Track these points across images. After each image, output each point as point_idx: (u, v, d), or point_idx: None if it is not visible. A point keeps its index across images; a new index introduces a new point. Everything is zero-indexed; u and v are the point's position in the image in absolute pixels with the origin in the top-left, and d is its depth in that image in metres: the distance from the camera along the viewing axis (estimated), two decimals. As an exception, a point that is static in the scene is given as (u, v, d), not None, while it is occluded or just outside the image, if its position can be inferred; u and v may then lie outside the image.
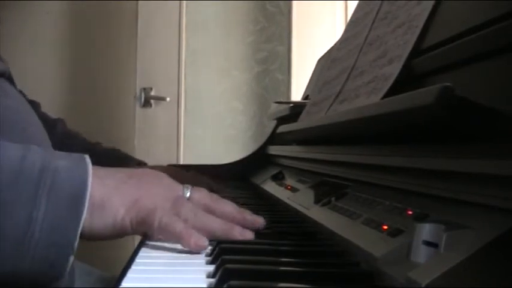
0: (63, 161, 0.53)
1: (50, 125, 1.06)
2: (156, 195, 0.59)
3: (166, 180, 0.63)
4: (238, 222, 0.61)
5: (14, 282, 0.50)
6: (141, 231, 0.57)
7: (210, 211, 0.61)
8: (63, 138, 1.11)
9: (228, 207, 0.63)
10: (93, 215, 0.53)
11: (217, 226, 0.59)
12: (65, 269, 0.50)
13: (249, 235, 0.59)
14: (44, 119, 1.00)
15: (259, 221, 0.63)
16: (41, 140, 0.75)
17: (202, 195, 0.63)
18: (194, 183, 0.68)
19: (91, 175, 0.53)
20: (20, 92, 1.01)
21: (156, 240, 0.59)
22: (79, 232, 0.50)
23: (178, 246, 0.56)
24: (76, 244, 0.50)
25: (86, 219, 0.51)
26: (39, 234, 0.48)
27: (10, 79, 0.83)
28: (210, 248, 0.56)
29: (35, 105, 1.07)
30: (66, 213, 0.50)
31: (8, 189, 0.49)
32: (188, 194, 0.62)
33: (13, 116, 0.70)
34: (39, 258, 0.49)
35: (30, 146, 0.54)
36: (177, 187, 0.62)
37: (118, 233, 0.56)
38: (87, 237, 0.54)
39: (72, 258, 0.51)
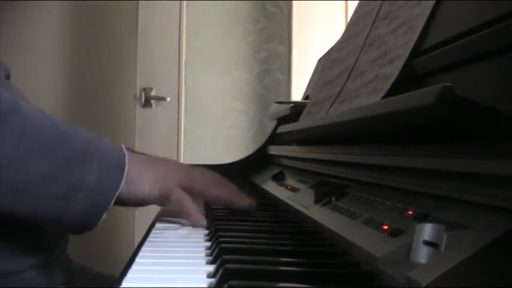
0: (107, 140, 0.68)
1: None
2: (174, 176, 0.73)
3: (180, 164, 0.81)
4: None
5: (54, 224, 0.65)
6: (161, 202, 0.72)
7: (205, 193, 0.77)
8: None
9: (230, 186, 0.79)
10: (128, 186, 0.67)
11: (227, 193, 0.77)
12: (97, 222, 0.64)
13: (251, 204, 0.77)
14: None
15: (254, 203, 0.77)
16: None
17: (208, 174, 0.79)
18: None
19: (128, 154, 0.67)
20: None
21: (170, 213, 0.77)
22: (116, 196, 0.65)
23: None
24: (112, 204, 0.65)
25: (122, 189, 0.66)
26: (86, 190, 0.62)
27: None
28: (210, 248, 0.56)
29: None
30: (109, 179, 0.65)
31: (67, 152, 0.63)
32: (196, 174, 0.76)
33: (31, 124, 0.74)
34: (81, 208, 0.62)
35: (79, 128, 0.68)
36: (190, 170, 0.77)
37: (144, 202, 0.71)
38: (121, 202, 0.68)
39: (105, 214, 0.64)
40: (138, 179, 0.69)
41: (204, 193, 0.76)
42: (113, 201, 0.64)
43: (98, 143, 0.66)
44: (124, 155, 0.67)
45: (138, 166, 0.70)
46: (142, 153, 1.18)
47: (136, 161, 0.70)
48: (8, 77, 0.82)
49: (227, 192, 0.77)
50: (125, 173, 0.66)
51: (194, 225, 0.71)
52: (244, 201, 0.77)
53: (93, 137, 0.67)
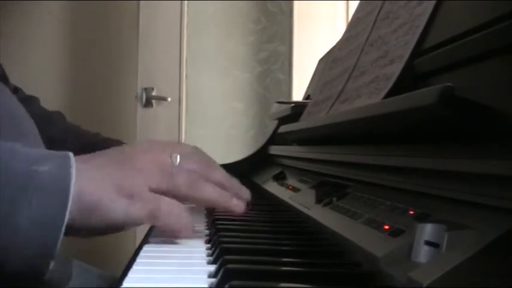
0: (45, 164, 0.50)
1: (47, 119, 1.05)
2: (149, 175, 0.57)
3: (153, 153, 0.60)
4: (228, 190, 0.64)
5: None
6: (148, 222, 0.56)
7: (203, 178, 0.61)
8: (60, 132, 1.08)
9: (219, 173, 0.64)
10: (88, 215, 0.51)
11: (216, 195, 0.61)
12: (45, 272, 0.49)
13: (241, 208, 0.64)
14: (42, 113, 0.99)
15: (245, 191, 0.67)
16: (34, 138, 0.74)
17: (192, 161, 0.62)
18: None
19: (74, 178, 0.50)
20: (16, 88, 1.01)
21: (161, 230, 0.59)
22: (60, 238, 0.48)
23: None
24: (57, 249, 0.48)
25: (81, 221, 0.50)
26: (21, 243, 0.47)
27: (4, 79, 0.83)
28: (211, 248, 0.56)
29: (33, 100, 1.06)
30: (48, 219, 0.48)
31: None
32: (178, 162, 0.60)
33: (7, 113, 0.70)
34: (20, 264, 0.48)
35: (15, 147, 0.51)
36: (165, 158, 0.60)
37: (121, 228, 0.55)
38: (88, 234, 0.54)
39: (53, 262, 0.49)
40: (99, 203, 0.52)
41: (189, 196, 0.60)
42: (57, 247, 0.48)
43: (32, 173, 0.49)
44: (68, 179, 0.49)
45: (96, 185, 0.52)
46: (115, 141, 1.08)
47: (94, 178, 0.53)
48: (1, 76, 0.82)
49: (214, 192, 0.62)
50: (68, 206, 0.48)
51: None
52: (239, 206, 0.64)
53: (27, 166, 0.49)
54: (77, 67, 2.49)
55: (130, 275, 0.45)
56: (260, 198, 1.01)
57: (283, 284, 0.42)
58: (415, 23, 0.63)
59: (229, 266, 0.43)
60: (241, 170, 1.35)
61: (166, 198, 0.56)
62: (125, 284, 0.43)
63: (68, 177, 0.49)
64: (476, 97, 0.41)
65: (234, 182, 0.66)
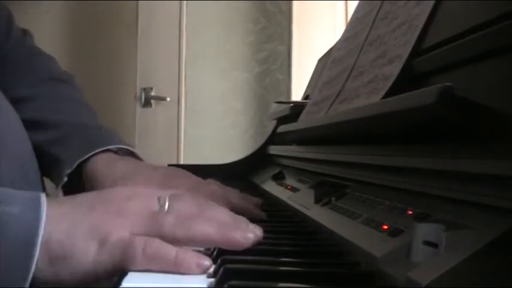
0: (11, 207, 0.45)
1: (59, 80, 0.97)
2: (129, 219, 0.48)
3: (137, 195, 0.52)
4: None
5: None
6: (122, 269, 0.47)
7: (196, 216, 0.51)
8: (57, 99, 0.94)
9: (219, 213, 0.52)
10: (58, 265, 0.45)
11: (212, 230, 0.49)
12: None
13: (252, 236, 0.49)
14: (54, 74, 0.95)
15: (257, 232, 0.51)
16: (19, 152, 0.72)
17: (184, 204, 0.52)
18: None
19: (43, 223, 0.45)
20: (24, 31, 0.97)
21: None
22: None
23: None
24: None
25: (50, 272, 0.45)
26: None
27: (10, 22, 0.83)
28: (210, 248, 0.56)
29: (47, 59, 1.02)
30: (11, 271, 0.43)
31: None
32: (167, 206, 0.50)
33: (1, 135, 0.67)
34: None
35: None
36: (150, 200, 0.51)
37: (93, 278, 0.47)
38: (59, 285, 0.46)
39: None
40: (69, 249, 0.46)
41: (180, 237, 0.48)
42: None
43: None
44: (35, 232, 0.44)
45: (68, 224, 0.47)
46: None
47: (66, 218, 0.47)
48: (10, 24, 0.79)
49: (212, 227, 0.50)
50: (35, 254, 0.43)
51: (196, 274, 0.46)
52: (247, 236, 0.50)
53: None
54: (76, 67, 2.49)
55: (130, 274, 0.45)
56: (259, 198, 1.01)
57: (282, 284, 0.42)
58: (414, 22, 0.63)
59: (228, 265, 0.43)
60: (240, 170, 1.35)
61: (143, 237, 0.47)
62: (125, 283, 0.43)
63: (37, 221, 0.45)
64: (476, 97, 0.41)
65: (241, 222, 0.52)
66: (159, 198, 0.51)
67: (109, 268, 0.46)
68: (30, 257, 0.43)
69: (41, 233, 0.44)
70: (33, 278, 0.44)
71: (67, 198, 0.53)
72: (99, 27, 2.50)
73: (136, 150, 0.85)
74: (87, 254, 0.46)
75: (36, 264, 0.44)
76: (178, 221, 0.49)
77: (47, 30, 2.46)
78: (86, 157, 0.79)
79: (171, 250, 0.46)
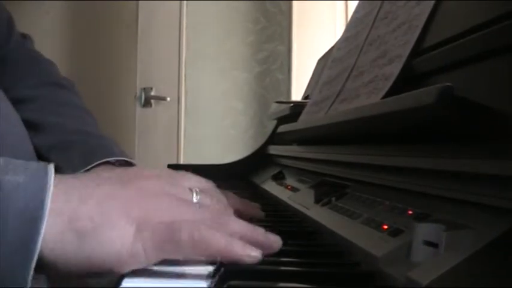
0: (16, 176, 0.40)
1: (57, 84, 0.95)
2: (169, 201, 0.45)
3: (168, 178, 0.49)
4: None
5: None
6: (161, 256, 0.42)
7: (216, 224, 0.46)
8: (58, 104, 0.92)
9: (237, 225, 0.48)
10: (86, 241, 0.39)
11: (216, 242, 0.43)
12: None
13: (254, 252, 0.44)
14: (53, 78, 0.95)
15: (276, 241, 0.49)
16: (19, 153, 0.70)
17: (213, 202, 0.51)
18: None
19: (47, 203, 0.38)
20: (24, 35, 0.97)
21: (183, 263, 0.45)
22: (29, 276, 0.38)
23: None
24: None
25: (74, 250, 0.39)
26: None
27: (11, 26, 0.83)
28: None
29: (48, 63, 1.01)
30: (14, 250, 0.37)
31: None
32: (197, 199, 0.49)
33: (2, 135, 0.67)
34: None
35: None
36: (185, 190, 0.49)
37: (125, 264, 0.41)
38: (86, 273, 0.41)
39: None
40: (101, 228, 0.40)
41: (208, 237, 0.44)
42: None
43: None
44: (41, 203, 0.38)
45: (96, 206, 0.41)
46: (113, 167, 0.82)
47: (91, 192, 0.42)
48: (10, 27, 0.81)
49: (242, 228, 0.47)
50: (40, 236, 0.37)
51: (246, 261, 0.44)
52: (246, 250, 0.45)
53: None
54: (76, 67, 2.49)
55: (130, 274, 0.45)
56: (259, 198, 1.01)
57: (282, 284, 0.42)
58: (414, 22, 0.63)
59: (228, 266, 0.43)
60: (240, 170, 1.35)
61: (189, 220, 0.43)
62: (125, 283, 0.42)
63: (43, 190, 0.39)
64: (476, 97, 0.41)
65: (259, 233, 0.49)
66: (190, 189, 0.49)
67: (147, 252, 0.41)
68: (34, 234, 0.37)
69: (48, 205, 0.38)
70: (54, 260, 0.39)
71: (91, 175, 0.47)
72: (99, 27, 2.50)
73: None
74: (124, 235, 0.41)
75: (62, 242, 0.39)
76: (212, 216, 0.47)
77: (47, 30, 2.46)
78: (85, 169, 0.78)
79: (223, 239, 0.43)
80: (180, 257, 0.43)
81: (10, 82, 0.85)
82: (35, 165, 0.41)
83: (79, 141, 0.83)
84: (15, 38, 0.92)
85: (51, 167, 0.41)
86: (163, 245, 0.42)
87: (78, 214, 0.40)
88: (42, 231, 0.38)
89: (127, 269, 0.42)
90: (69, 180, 0.42)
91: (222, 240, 0.43)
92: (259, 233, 0.48)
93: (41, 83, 0.90)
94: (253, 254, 0.44)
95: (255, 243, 0.46)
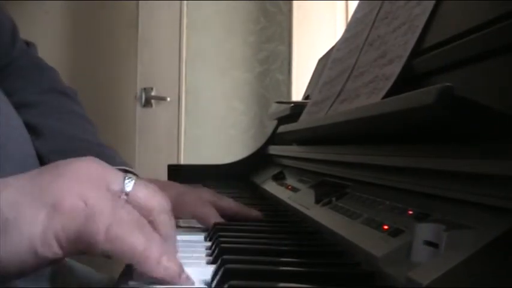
0: None
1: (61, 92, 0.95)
2: (86, 186, 0.40)
3: (96, 167, 0.44)
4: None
5: None
6: (76, 250, 0.39)
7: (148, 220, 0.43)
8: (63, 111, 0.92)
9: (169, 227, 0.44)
10: None
11: (133, 242, 0.39)
12: None
13: (171, 265, 0.40)
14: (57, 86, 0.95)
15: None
16: (21, 156, 0.71)
17: (148, 193, 0.45)
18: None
19: None
20: (27, 43, 0.98)
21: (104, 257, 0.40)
22: None
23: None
24: None
25: None
26: None
27: (15, 33, 0.84)
28: (210, 248, 0.56)
29: (52, 71, 1.01)
30: None
31: None
32: (129, 189, 0.43)
33: (3, 140, 0.66)
34: None
35: None
36: (114, 176, 0.44)
37: (38, 261, 0.38)
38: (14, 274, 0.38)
39: None
40: (15, 217, 0.38)
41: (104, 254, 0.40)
42: None
43: None
44: None
45: (12, 191, 0.39)
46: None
47: (8, 184, 0.40)
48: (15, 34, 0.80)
49: (144, 246, 0.40)
50: None
51: (165, 279, 0.40)
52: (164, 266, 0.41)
53: None
54: (76, 67, 2.49)
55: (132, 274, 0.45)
56: (259, 198, 1.01)
57: (282, 284, 0.42)
58: (414, 22, 0.63)
59: (229, 265, 0.43)
60: (240, 170, 1.35)
61: (111, 211, 0.39)
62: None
63: None
64: (476, 97, 0.41)
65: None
66: (124, 178, 0.44)
67: (62, 245, 0.38)
68: None
69: None
70: None
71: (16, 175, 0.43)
72: (99, 27, 2.50)
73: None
74: (34, 223, 0.37)
75: None
76: (128, 216, 0.41)
77: (47, 30, 2.46)
78: None
79: (140, 239, 0.38)
80: (96, 253, 0.38)
81: (14, 88, 0.85)
82: None
83: (81, 148, 0.83)
84: (19, 45, 0.93)
85: None
86: (78, 235, 0.38)
87: None
88: None
89: (45, 261, 0.38)
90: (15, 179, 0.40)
91: (141, 241, 0.38)
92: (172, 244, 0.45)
93: (44, 89, 0.91)
94: (168, 266, 0.39)
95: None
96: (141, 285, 0.42)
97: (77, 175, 0.41)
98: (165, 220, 0.46)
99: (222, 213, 0.71)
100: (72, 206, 0.38)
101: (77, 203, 0.39)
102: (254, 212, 0.74)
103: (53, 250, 0.38)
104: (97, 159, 0.45)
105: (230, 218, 0.71)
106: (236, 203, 0.75)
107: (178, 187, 0.79)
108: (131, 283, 0.41)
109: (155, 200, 0.46)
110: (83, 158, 0.45)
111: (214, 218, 0.69)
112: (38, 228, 0.37)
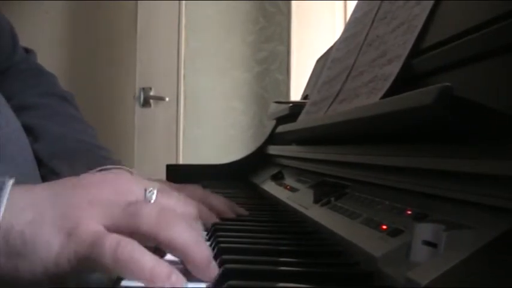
0: None
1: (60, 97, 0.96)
2: (103, 208, 0.43)
3: (118, 183, 0.47)
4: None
5: None
6: (85, 268, 0.41)
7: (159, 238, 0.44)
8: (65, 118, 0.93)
9: (181, 229, 0.44)
10: (17, 258, 0.40)
11: (140, 263, 0.40)
12: None
13: (178, 280, 0.41)
14: (56, 92, 0.96)
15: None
16: (19, 158, 0.71)
17: (171, 201, 0.49)
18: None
19: (3, 208, 0.40)
20: (27, 50, 0.98)
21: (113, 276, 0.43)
22: None
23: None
24: None
25: (6, 267, 0.40)
26: None
27: (15, 39, 0.85)
28: (209, 248, 0.56)
29: (49, 76, 1.01)
30: None
31: None
32: (154, 198, 0.47)
33: (2, 143, 0.67)
34: None
35: None
36: (136, 189, 0.47)
37: (52, 278, 0.41)
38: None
39: None
40: (34, 239, 0.40)
41: (152, 236, 0.43)
42: None
43: None
44: None
45: (33, 213, 0.41)
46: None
47: (32, 207, 0.42)
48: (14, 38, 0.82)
49: (188, 238, 0.44)
50: None
51: None
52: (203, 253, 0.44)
53: None
54: (75, 67, 2.49)
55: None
56: (258, 198, 1.01)
57: (281, 284, 0.42)
58: (413, 22, 0.63)
59: (228, 265, 0.43)
60: (239, 170, 1.35)
61: (114, 234, 0.41)
62: (124, 282, 0.42)
63: None
64: (475, 97, 0.41)
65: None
66: (145, 190, 0.47)
67: (74, 264, 0.41)
68: None
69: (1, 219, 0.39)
70: None
71: (41, 184, 0.46)
72: (98, 27, 2.50)
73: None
74: (50, 246, 0.40)
75: None
76: (161, 218, 0.43)
77: (47, 30, 2.46)
78: None
79: (146, 257, 0.41)
80: (104, 271, 0.41)
81: (13, 91, 0.86)
82: None
83: (80, 150, 0.84)
84: (19, 51, 0.94)
85: (9, 183, 0.41)
86: (86, 257, 0.40)
87: (12, 231, 0.40)
88: None
89: (53, 277, 0.41)
90: (17, 193, 0.42)
91: (148, 263, 0.40)
92: (198, 241, 0.45)
93: (43, 93, 0.92)
94: (176, 282, 0.40)
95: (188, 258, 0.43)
96: (139, 285, 0.42)
97: (99, 194, 0.44)
98: (193, 227, 0.47)
99: (212, 211, 0.71)
100: (87, 232, 0.41)
101: (92, 228, 0.42)
102: (242, 212, 0.75)
103: (64, 269, 0.41)
104: (121, 172, 0.50)
105: (219, 216, 0.72)
106: (226, 200, 0.76)
107: (171, 186, 0.79)
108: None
109: (180, 208, 0.49)
110: (106, 172, 0.50)
111: (210, 217, 0.69)
112: (54, 251, 0.40)
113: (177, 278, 0.41)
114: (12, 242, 0.40)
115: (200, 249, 0.43)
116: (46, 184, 0.46)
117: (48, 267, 0.40)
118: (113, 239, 0.40)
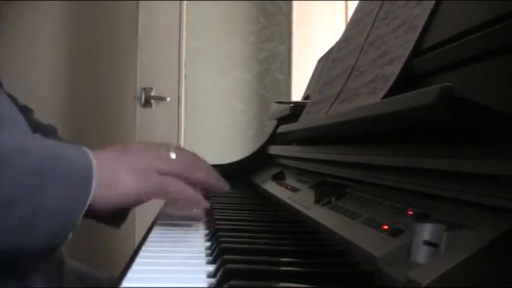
0: (70, 150, 0.60)
1: (41, 132, 1.01)
2: (154, 164, 0.67)
3: (154, 148, 0.72)
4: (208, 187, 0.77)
5: (15, 253, 0.55)
6: (153, 196, 0.67)
7: (187, 175, 0.71)
8: None
9: (201, 174, 0.75)
10: (106, 190, 0.61)
11: (208, 177, 0.76)
12: (62, 243, 0.58)
13: (227, 188, 0.80)
14: (36, 125, 0.97)
15: (226, 185, 0.81)
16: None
17: (185, 157, 0.75)
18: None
19: (94, 162, 0.60)
20: (10, 96, 0.99)
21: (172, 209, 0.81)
22: (82, 213, 0.57)
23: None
24: (79, 221, 0.57)
25: (97, 196, 0.59)
26: (47, 213, 0.54)
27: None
28: (210, 248, 0.56)
29: (26, 110, 1.03)
30: (73, 197, 0.57)
31: (12, 180, 0.54)
32: (174, 156, 0.72)
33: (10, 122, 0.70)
34: (43, 233, 0.55)
35: (35, 137, 0.66)
36: (163, 150, 0.72)
37: (132, 202, 0.65)
38: (105, 210, 0.62)
39: (70, 235, 0.57)
40: (115, 181, 0.63)
41: (182, 176, 0.69)
42: (80, 219, 0.57)
43: (56, 160, 0.57)
44: (90, 165, 0.59)
45: (111, 167, 0.63)
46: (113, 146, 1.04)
47: (108, 162, 0.64)
48: None
49: (206, 175, 0.76)
50: (93, 186, 0.58)
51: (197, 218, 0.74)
52: (223, 185, 0.79)
53: (53, 153, 0.58)
54: (76, 67, 2.49)
55: (130, 274, 0.45)
56: (259, 198, 1.01)
57: (282, 284, 0.42)
58: (414, 23, 0.63)
59: (229, 265, 0.43)
60: (240, 170, 1.35)
61: (172, 178, 0.67)
62: (124, 283, 0.43)
63: (89, 159, 0.60)
64: (476, 97, 0.41)
65: (214, 179, 0.79)
66: (168, 150, 0.72)
67: (147, 194, 0.66)
68: (89, 183, 0.58)
69: (94, 170, 0.59)
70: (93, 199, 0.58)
71: (101, 150, 0.66)
72: (99, 27, 2.50)
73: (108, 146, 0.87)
74: (129, 183, 0.63)
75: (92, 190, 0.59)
76: (184, 166, 0.71)
77: (47, 30, 2.46)
78: None
79: (188, 190, 0.69)
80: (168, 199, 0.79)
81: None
82: (77, 147, 0.62)
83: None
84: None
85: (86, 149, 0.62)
86: (158, 190, 0.67)
87: (103, 173, 0.61)
88: (94, 174, 0.59)
89: (140, 203, 0.67)
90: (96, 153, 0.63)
91: (189, 192, 0.69)
92: (214, 176, 0.79)
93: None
94: (205, 204, 0.72)
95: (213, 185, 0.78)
96: (140, 285, 0.42)
97: (147, 151, 0.71)
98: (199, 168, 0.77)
99: (197, 186, 0.74)
100: (151, 175, 0.66)
101: (153, 173, 0.67)
102: (226, 187, 0.81)
103: (141, 197, 0.66)
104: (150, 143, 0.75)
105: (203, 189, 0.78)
106: (213, 171, 0.80)
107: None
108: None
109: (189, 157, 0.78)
110: (141, 144, 0.77)
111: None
112: (131, 184, 0.64)
113: (205, 202, 0.71)
114: (105, 184, 0.61)
115: (220, 182, 0.80)
116: (109, 148, 0.68)
117: (129, 194, 0.64)
118: (169, 179, 0.67)
